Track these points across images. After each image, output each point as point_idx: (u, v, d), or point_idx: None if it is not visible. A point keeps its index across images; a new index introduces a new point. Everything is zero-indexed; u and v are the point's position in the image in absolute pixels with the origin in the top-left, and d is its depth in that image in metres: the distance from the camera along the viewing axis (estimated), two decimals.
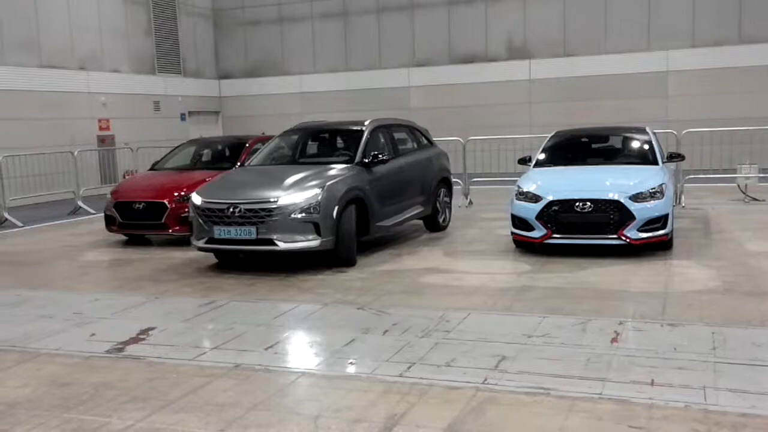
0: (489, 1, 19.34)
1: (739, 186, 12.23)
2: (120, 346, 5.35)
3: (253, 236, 7.42)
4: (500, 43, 19.35)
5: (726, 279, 6.65)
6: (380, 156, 8.54)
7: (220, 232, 7.53)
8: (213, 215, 7.60)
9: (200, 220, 7.73)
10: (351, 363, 4.77)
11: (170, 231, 9.85)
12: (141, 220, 9.96)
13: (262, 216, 7.41)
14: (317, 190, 7.56)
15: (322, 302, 6.40)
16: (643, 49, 17.96)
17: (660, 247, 7.87)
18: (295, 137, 9.56)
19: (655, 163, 8.64)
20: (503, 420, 3.80)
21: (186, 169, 11.05)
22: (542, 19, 18.86)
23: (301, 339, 5.42)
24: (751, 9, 17.13)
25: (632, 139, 9.46)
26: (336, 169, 8.19)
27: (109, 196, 10.55)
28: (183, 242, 9.99)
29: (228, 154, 11.31)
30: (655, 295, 6.18)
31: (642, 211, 7.58)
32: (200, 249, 7.97)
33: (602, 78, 18.15)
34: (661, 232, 7.67)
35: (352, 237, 7.80)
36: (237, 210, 7.47)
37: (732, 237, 8.82)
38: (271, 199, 7.47)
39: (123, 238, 10.56)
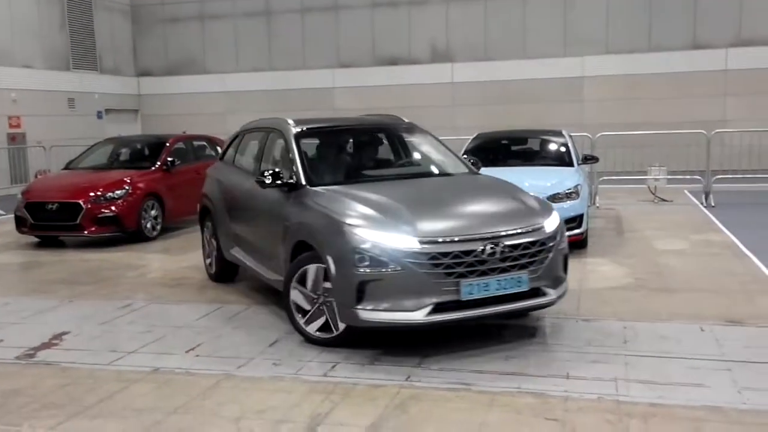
0: (412, 4, 19.57)
1: (649, 187, 12.85)
2: (31, 352, 5.12)
3: (525, 287, 4.72)
4: (423, 46, 19.61)
5: (637, 276, 6.97)
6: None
7: (470, 288, 4.52)
8: (461, 261, 4.52)
9: (427, 274, 4.47)
10: (275, 364, 4.73)
11: (86, 232, 9.50)
12: (54, 221, 9.56)
13: (534, 254, 4.77)
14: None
15: (246, 303, 6.32)
16: (560, 55, 18.59)
17: (575, 245, 8.16)
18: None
19: (571, 164, 8.96)
20: (426, 416, 3.86)
21: (102, 168, 10.67)
22: (464, 23, 19.23)
23: (224, 341, 5.33)
24: (660, 18, 18.01)
25: (550, 141, 9.78)
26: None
27: (20, 196, 10.08)
28: (99, 244, 9.66)
29: (147, 153, 10.99)
30: (571, 292, 6.37)
31: (558, 211, 7.82)
32: (435, 324, 4.62)
33: (522, 82, 18.67)
34: (577, 231, 7.95)
35: None
36: (494, 247, 4.61)
37: (643, 236, 9.25)
38: (536, 227, 4.87)
39: (35, 240, 10.09)
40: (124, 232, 9.69)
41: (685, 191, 13.43)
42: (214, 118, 20.27)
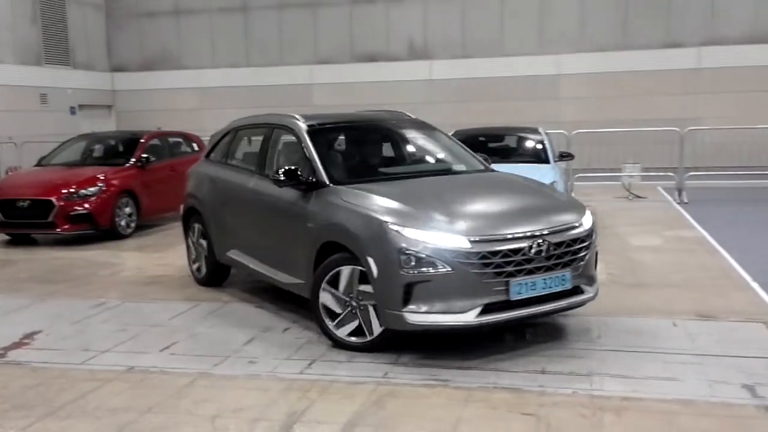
0: (390, 1, 19.55)
1: (623, 184, 12.99)
2: (1, 352, 5.03)
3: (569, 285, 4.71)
4: (402, 43, 19.61)
5: (611, 271, 7.04)
6: None
7: (519, 288, 4.47)
8: (510, 260, 4.45)
9: (478, 274, 4.39)
10: (251, 362, 4.71)
11: (58, 230, 9.36)
12: (26, 218, 9.41)
13: (575, 251, 4.75)
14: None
15: (221, 301, 6.27)
16: (537, 53, 18.69)
17: None
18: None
19: (547, 161, 9.02)
20: (403, 412, 3.87)
21: (76, 165, 10.52)
22: (442, 20, 19.26)
23: (199, 339, 5.28)
24: (635, 17, 18.19)
25: (526, 138, 9.83)
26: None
27: None
28: (72, 242, 9.53)
29: (121, 149, 10.86)
30: None
31: None
32: (484, 326, 4.58)
33: (500, 80, 18.75)
34: None
35: None
36: (541, 245, 4.57)
37: (617, 232, 9.35)
38: (576, 224, 4.86)
39: (5, 237, 9.92)
40: (98, 229, 9.56)
41: (659, 188, 13.59)
42: (189, 115, 20.08)
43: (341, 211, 4.89)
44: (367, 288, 4.62)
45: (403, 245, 4.39)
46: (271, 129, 6.14)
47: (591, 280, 4.92)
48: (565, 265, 4.63)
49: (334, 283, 4.82)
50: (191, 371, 4.55)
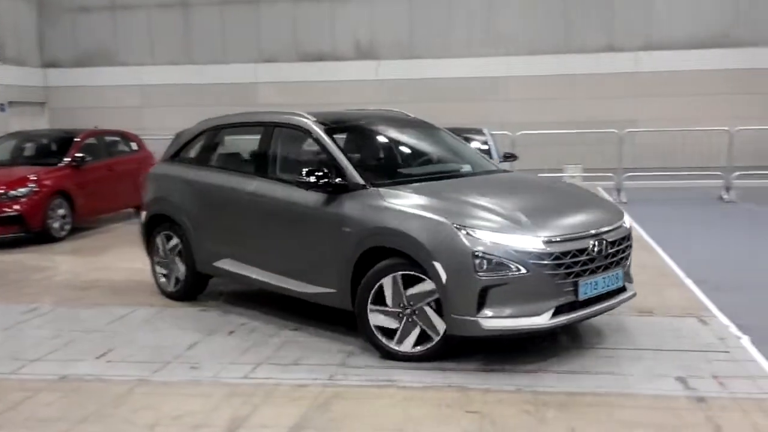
0: (336, 0, 19.46)
1: None
2: None
3: (621, 283, 4.80)
4: (348, 42, 19.54)
5: None
6: None
7: (586, 288, 4.44)
8: (577, 260, 4.39)
9: (551, 275, 4.30)
10: (192, 367, 4.57)
11: None
12: None
13: (624, 250, 4.84)
14: None
15: (162, 304, 6.08)
16: (484, 55, 18.91)
17: None
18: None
19: None
20: (350, 414, 3.81)
21: (5, 164, 10.08)
22: (389, 20, 19.28)
23: (139, 344, 5.10)
24: (578, 22, 18.61)
25: (471, 139, 9.88)
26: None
27: None
28: (1, 245, 9.11)
29: (55, 148, 10.44)
30: None
31: None
32: (556, 327, 4.56)
33: (448, 80, 18.89)
34: None
35: None
36: (602, 243, 4.55)
37: None
38: (625, 223, 4.99)
39: None
40: (29, 232, 9.17)
41: (599, 188, 13.89)
42: (129, 113, 19.51)
43: (391, 214, 4.58)
44: (416, 290, 4.43)
45: (478, 248, 4.21)
46: (270, 128, 5.61)
47: (630, 278, 4.98)
48: (617, 263, 4.67)
49: (379, 298, 4.54)
50: (129, 378, 4.38)
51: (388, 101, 18.98)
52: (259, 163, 5.62)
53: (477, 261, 4.19)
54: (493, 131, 10.49)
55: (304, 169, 4.90)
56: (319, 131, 5.26)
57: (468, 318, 4.22)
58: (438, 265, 4.27)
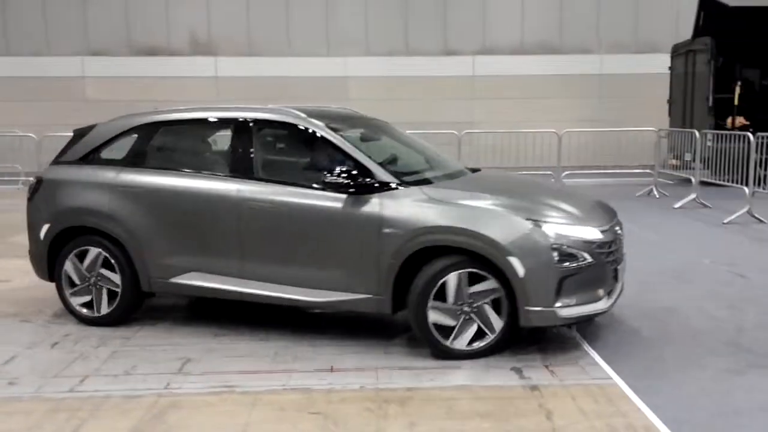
0: None
1: None
2: None
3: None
4: (183, 37, 18.82)
5: None
6: None
7: (621, 273, 4.95)
8: (612, 249, 4.77)
9: (608, 262, 4.71)
10: (11, 383, 4.17)
11: None
12: None
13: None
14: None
15: None
16: (324, 55, 19.01)
17: None
18: None
19: None
20: (186, 423, 3.66)
21: None
22: (226, 15, 18.80)
23: None
24: (415, 25, 19.24)
25: None
26: None
27: None
28: None
29: None
30: None
31: None
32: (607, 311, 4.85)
33: (287, 79, 18.75)
34: None
35: None
36: (619, 234, 4.98)
37: None
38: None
39: None
40: None
41: None
42: None
43: (451, 212, 4.50)
44: (479, 288, 4.44)
45: (555, 241, 4.39)
46: (245, 125, 5.09)
47: None
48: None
49: (440, 295, 4.46)
50: None
51: (228, 100, 18.60)
52: (240, 164, 5.03)
53: (555, 253, 4.39)
54: None
55: (332, 170, 4.64)
56: (326, 131, 4.93)
57: (546, 309, 4.41)
58: (514, 260, 4.35)
